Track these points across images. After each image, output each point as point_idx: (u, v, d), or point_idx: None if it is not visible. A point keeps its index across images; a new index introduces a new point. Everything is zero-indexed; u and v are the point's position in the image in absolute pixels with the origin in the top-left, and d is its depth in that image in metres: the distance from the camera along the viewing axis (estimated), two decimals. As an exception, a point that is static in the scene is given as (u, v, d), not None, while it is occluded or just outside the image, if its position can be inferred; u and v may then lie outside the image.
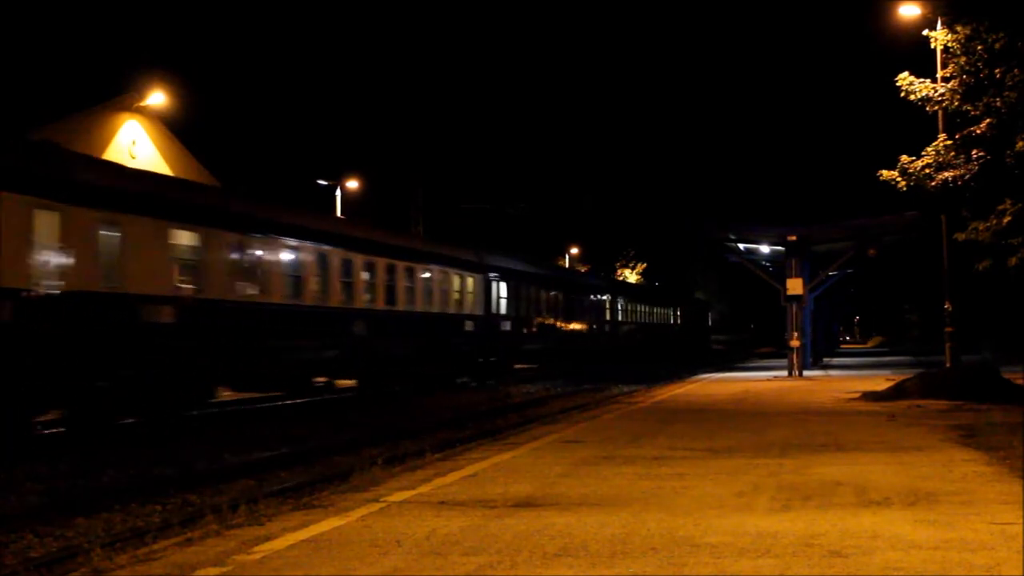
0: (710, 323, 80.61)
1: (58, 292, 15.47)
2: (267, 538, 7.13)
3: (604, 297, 48.70)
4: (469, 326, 31.50)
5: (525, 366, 39.05)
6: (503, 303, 34.46)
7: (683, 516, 7.51)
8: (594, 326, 46.14)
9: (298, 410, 22.72)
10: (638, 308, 54.96)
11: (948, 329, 24.69)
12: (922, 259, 37.95)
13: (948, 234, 23.02)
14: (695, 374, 36.99)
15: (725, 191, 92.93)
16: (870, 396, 19.99)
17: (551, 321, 40.16)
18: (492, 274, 33.62)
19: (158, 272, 17.99)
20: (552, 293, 40.27)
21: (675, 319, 64.57)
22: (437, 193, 59.87)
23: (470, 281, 31.87)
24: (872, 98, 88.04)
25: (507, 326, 34.80)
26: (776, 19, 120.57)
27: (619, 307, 50.58)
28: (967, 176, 18.81)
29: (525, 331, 36.79)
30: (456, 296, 30.90)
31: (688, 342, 64.65)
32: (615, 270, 77.79)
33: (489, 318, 33.02)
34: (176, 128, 40.23)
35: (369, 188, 51.22)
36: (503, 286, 34.50)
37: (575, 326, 43.21)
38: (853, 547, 6.35)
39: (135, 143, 37.22)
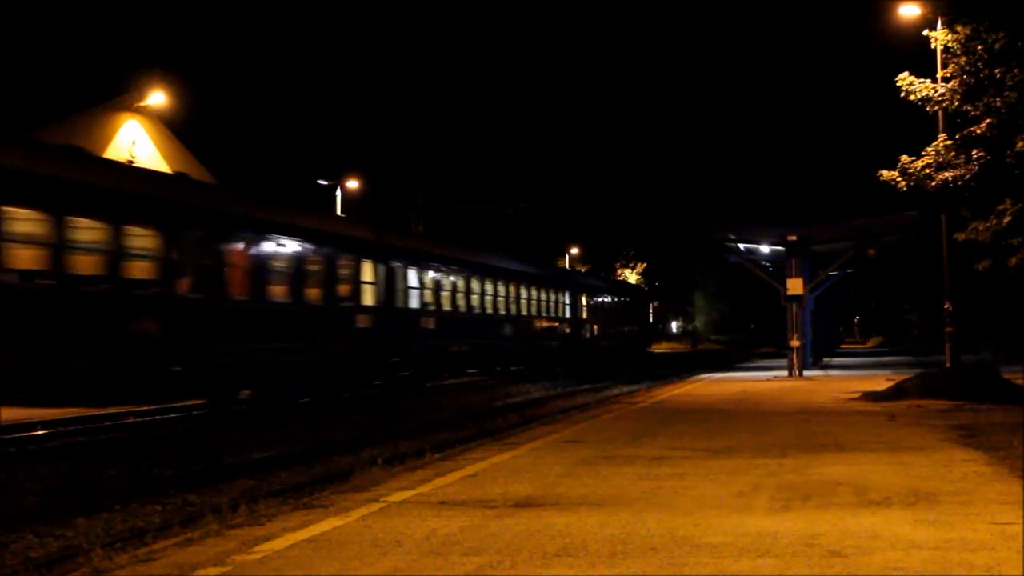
0: (651, 317, 64.74)
1: None
2: (267, 538, 7.12)
3: (359, 263, 24.66)
4: None
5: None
6: None
7: (683, 516, 7.50)
8: (335, 318, 23.67)
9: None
10: (478, 288, 32.58)
11: (948, 329, 24.67)
12: (922, 259, 37.94)
13: (948, 234, 23.01)
14: (695, 374, 37.00)
15: (725, 191, 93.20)
16: (870, 396, 19.99)
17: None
18: None
19: None
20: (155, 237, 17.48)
21: (575, 311, 42.81)
22: (437, 193, 60.04)
23: None
24: (872, 98, 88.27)
25: None
26: (776, 19, 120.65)
27: (422, 285, 28.41)
28: (967, 176, 18.80)
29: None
30: None
31: (600, 348, 45.84)
32: (615, 270, 77.93)
33: None
34: (176, 128, 40.33)
35: (369, 188, 51.34)
36: None
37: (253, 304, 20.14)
38: (853, 547, 6.35)
39: (135, 143, 37.32)
